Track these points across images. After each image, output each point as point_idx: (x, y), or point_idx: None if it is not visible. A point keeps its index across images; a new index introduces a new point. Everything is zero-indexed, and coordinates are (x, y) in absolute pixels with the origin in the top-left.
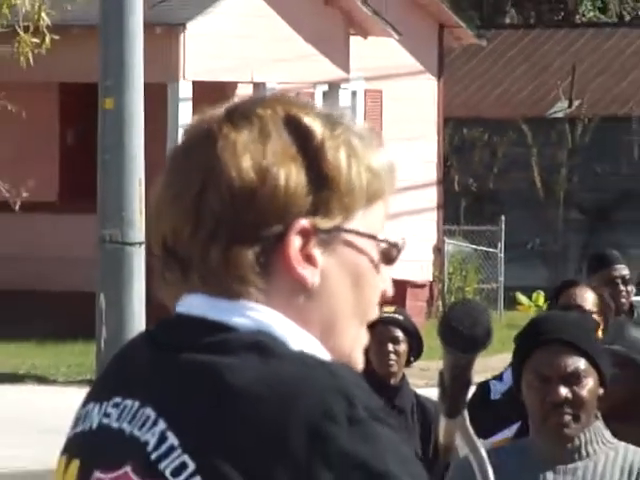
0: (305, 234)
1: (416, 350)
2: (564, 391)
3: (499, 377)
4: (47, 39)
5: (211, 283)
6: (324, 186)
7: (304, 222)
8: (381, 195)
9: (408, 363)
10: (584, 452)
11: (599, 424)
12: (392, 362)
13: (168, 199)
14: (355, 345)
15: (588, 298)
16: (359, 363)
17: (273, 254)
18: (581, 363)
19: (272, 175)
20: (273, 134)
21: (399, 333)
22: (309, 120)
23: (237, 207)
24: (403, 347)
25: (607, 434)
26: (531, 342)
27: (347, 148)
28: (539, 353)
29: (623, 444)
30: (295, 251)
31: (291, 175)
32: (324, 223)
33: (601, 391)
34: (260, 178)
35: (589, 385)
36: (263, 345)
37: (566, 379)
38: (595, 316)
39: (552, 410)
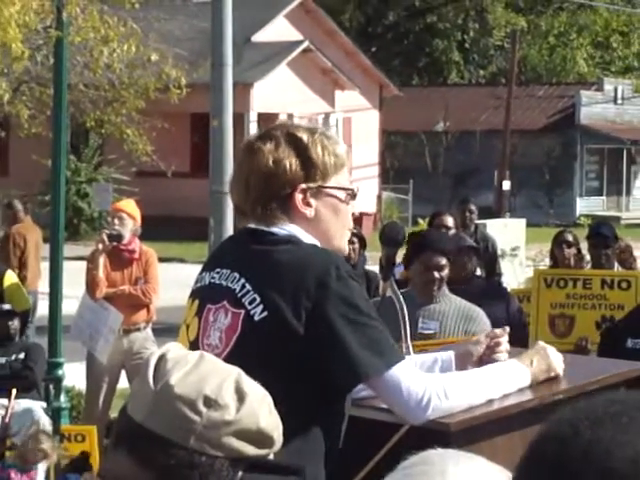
0: (303, 191)
1: (363, 246)
2: (436, 274)
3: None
4: (184, 91)
5: (260, 223)
6: (310, 166)
7: (302, 185)
8: (343, 166)
9: (361, 251)
10: (436, 300)
11: (445, 290)
12: (351, 252)
13: (235, 179)
14: (340, 243)
15: (449, 221)
16: (344, 252)
17: (288, 203)
18: (443, 260)
19: (282, 164)
20: (282, 143)
21: (355, 238)
22: (299, 133)
23: (266, 181)
24: (357, 245)
25: (446, 291)
26: (420, 246)
27: (321, 144)
28: (425, 253)
29: (454, 297)
30: (299, 200)
31: (292, 163)
32: (312, 184)
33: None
34: (277, 167)
35: (446, 271)
36: (292, 240)
37: (436, 268)
38: (453, 231)
39: (429, 282)
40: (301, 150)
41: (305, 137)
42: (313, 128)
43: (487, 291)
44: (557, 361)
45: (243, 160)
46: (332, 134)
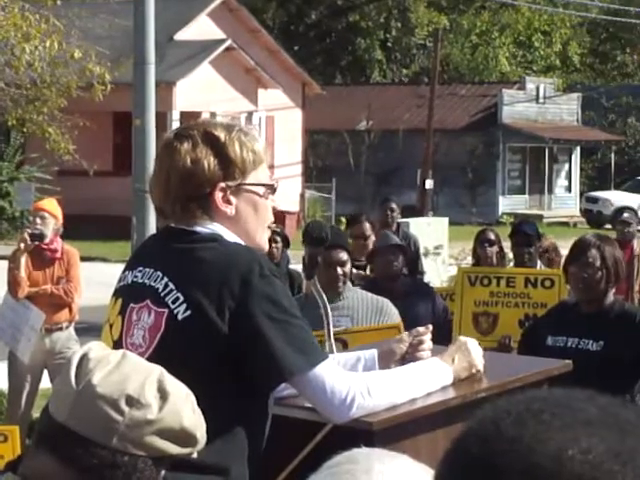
0: (223, 190)
1: (287, 244)
2: (339, 270)
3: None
4: (108, 88)
5: (180, 221)
6: (228, 164)
7: (222, 184)
8: (262, 162)
9: (284, 249)
10: (342, 296)
11: (349, 284)
12: (274, 250)
13: (154, 180)
14: (261, 240)
15: (366, 228)
16: (264, 249)
17: (208, 202)
18: (344, 255)
19: (200, 164)
20: (199, 143)
21: (278, 237)
22: (216, 132)
23: (185, 182)
24: (280, 243)
25: (350, 285)
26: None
27: (239, 142)
28: (326, 252)
29: (359, 290)
30: (219, 199)
31: (210, 162)
32: (231, 182)
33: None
34: (194, 166)
35: (348, 266)
36: (215, 239)
37: (338, 264)
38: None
39: (333, 279)
40: (219, 149)
41: (222, 135)
42: (230, 125)
43: (413, 289)
44: (478, 356)
45: (162, 160)
46: (250, 130)
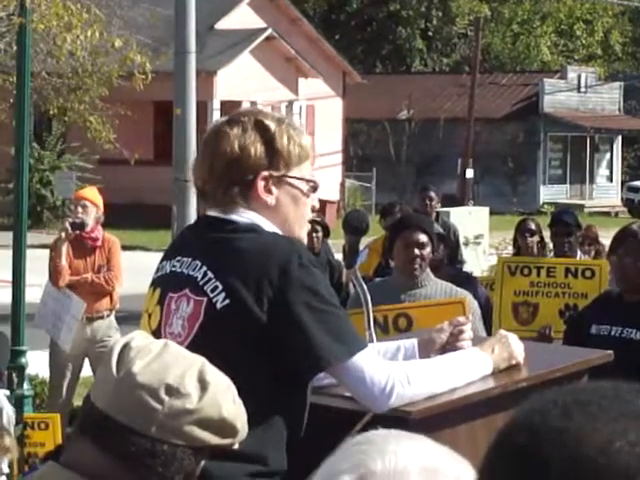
0: (265, 179)
1: (327, 234)
2: (417, 251)
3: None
4: (149, 77)
5: (220, 206)
6: (274, 154)
7: (265, 173)
8: (307, 158)
9: (324, 239)
10: (421, 284)
11: (428, 270)
12: (315, 240)
13: (199, 161)
14: (300, 231)
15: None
16: (303, 240)
17: (249, 189)
18: (424, 237)
19: (247, 150)
20: (249, 129)
21: (318, 227)
22: (267, 121)
23: (230, 166)
24: (320, 233)
25: (431, 275)
26: (399, 227)
27: (287, 134)
28: (403, 232)
29: (441, 281)
30: (260, 187)
31: (257, 149)
32: (275, 173)
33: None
34: (242, 152)
35: (428, 249)
36: (254, 229)
37: (416, 245)
38: None
39: (410, 260)
40: (267, 138)
41: (272, 125)
42: (281, 118)
43: (455, 278)
44: (518, 349)
45: (208, 143)
46: (299, 125)
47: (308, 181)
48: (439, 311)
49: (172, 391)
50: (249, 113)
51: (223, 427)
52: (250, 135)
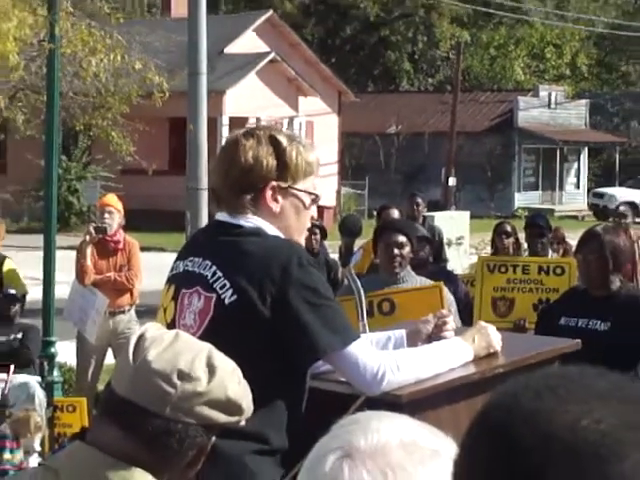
0: (273, 188)
1: (324, 236)
2: (396, 251)
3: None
4: (167, 95)
5: (230, 209)
6: (284, 168)
7: (273, 183)
8: (312, 173)
9: (322, 241)
10: (402, 280)
11: (409, 268)
12: (314, 242)
13: (215, 170)
14: (299, 238)
15: (395, 214)
16: (302, 243)
17: (259, 196)
18: (403, 238)
19: (260, 161)
20: (263, 143)
21: (317, 229)
22: (280, 137)
23: (244, 174)
24: (319, 235)
25: (412, 273)
26: (382, 229)
27: (296, 151)
28: (385, 233)
29: (420, 277)
30: (268, 195)
31: (269, 162)
32: (282, 184)
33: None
34: (255, 162)
35: (407, 249)
36: (258, 233)
37: (395, 245)
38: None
39: (390, 259)
40: (279, 152)
41: (285, 141)
42: (293, 135)
43: (438, 275)
44: (496, 339)
45: (226, 152)
46: (308, 144)
47: (311, 194)
48: (419, 295)
49: (184, 376)
50: (264, 128)
51: (230, 406)
52: (264, 148)
